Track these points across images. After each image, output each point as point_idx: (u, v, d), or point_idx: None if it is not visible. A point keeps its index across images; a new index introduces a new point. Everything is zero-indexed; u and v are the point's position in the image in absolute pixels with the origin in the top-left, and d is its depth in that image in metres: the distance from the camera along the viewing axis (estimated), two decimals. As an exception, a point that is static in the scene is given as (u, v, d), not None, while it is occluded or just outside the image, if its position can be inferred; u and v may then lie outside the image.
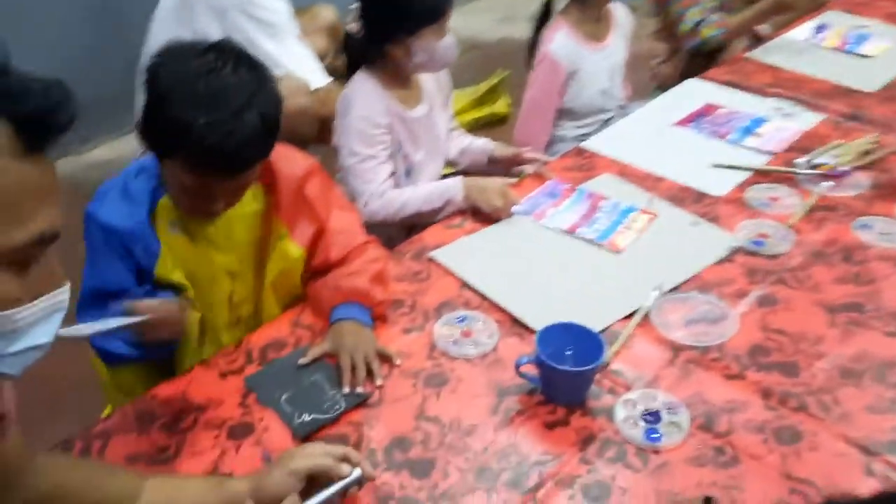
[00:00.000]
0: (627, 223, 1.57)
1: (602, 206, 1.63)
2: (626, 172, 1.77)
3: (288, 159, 1.33)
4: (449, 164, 1.94)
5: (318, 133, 2.31)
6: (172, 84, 1.10)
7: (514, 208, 1.60)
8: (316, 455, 0.99)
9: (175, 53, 1.13)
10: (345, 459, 0.99)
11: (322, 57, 2.64)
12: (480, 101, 3.32)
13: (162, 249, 1.23)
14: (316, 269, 1.37)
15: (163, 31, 2.25)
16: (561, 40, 2.10)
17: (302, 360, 1.24)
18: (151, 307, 1.11)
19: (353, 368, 1.21)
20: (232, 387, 1.21)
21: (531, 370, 1.17)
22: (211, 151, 1.09)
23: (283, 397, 1.18)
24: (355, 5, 1.70)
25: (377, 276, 1.33)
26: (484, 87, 3.34)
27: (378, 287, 1.33)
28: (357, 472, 0.99)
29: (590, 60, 2.13)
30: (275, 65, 2.26)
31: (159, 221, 1.25)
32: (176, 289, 1.26)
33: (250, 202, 1.30)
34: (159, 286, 1.26)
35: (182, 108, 1.08)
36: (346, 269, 1.34)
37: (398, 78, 1.73)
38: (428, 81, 1.79)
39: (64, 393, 1.84)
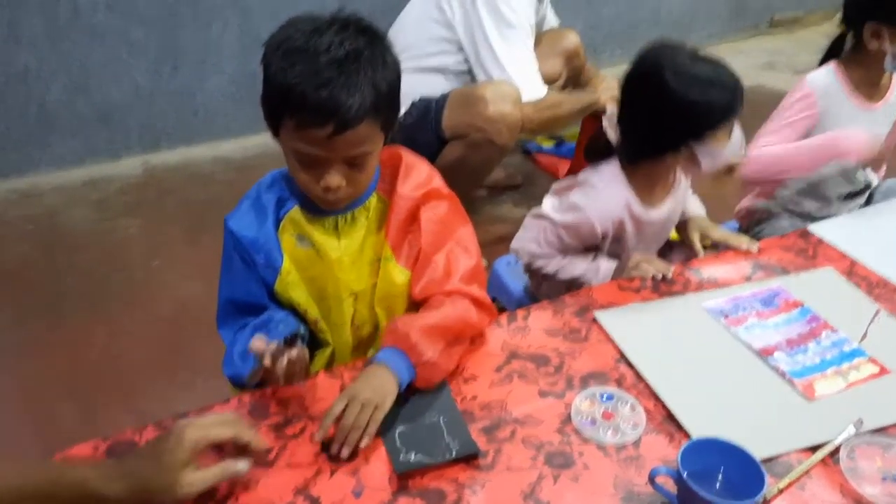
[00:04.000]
0: (843, 368, 1.24)
1: (824, 336, 1.31)
2: (854, 272, 1.49)
3: (410, 175, 1.24)
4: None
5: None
6: (276, 46, 1.08)
7: (706, 304, 1.37)
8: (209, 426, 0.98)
9: (288, 23, 1.11)
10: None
11: (552, 80, 2.56)
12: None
13: (284, 265, 1.19)
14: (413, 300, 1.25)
15: (414, 6, 2.41)
16: (824, 74, 1.85)
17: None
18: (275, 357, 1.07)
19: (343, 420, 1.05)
20: (349, 404, 1.16)
21: (668, 484, 0.99)
22: (306, 100, 1.04)
23: (399, 430, 1.11)
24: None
25: (433, 330, 1.14)
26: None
27: (430, 343, 1.13)
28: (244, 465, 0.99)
29: (849, 115, 1.83)
30: (494, 60, 2.25)
31: (285, 235, 1.21)
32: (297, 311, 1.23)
33: (376, 216, 1.24)
34: (281, 304, 1.22)
35: (282, 63, 1.06)
36: (420, 313, 1.19)
37: (651, 182, 1.56)
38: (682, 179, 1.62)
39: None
